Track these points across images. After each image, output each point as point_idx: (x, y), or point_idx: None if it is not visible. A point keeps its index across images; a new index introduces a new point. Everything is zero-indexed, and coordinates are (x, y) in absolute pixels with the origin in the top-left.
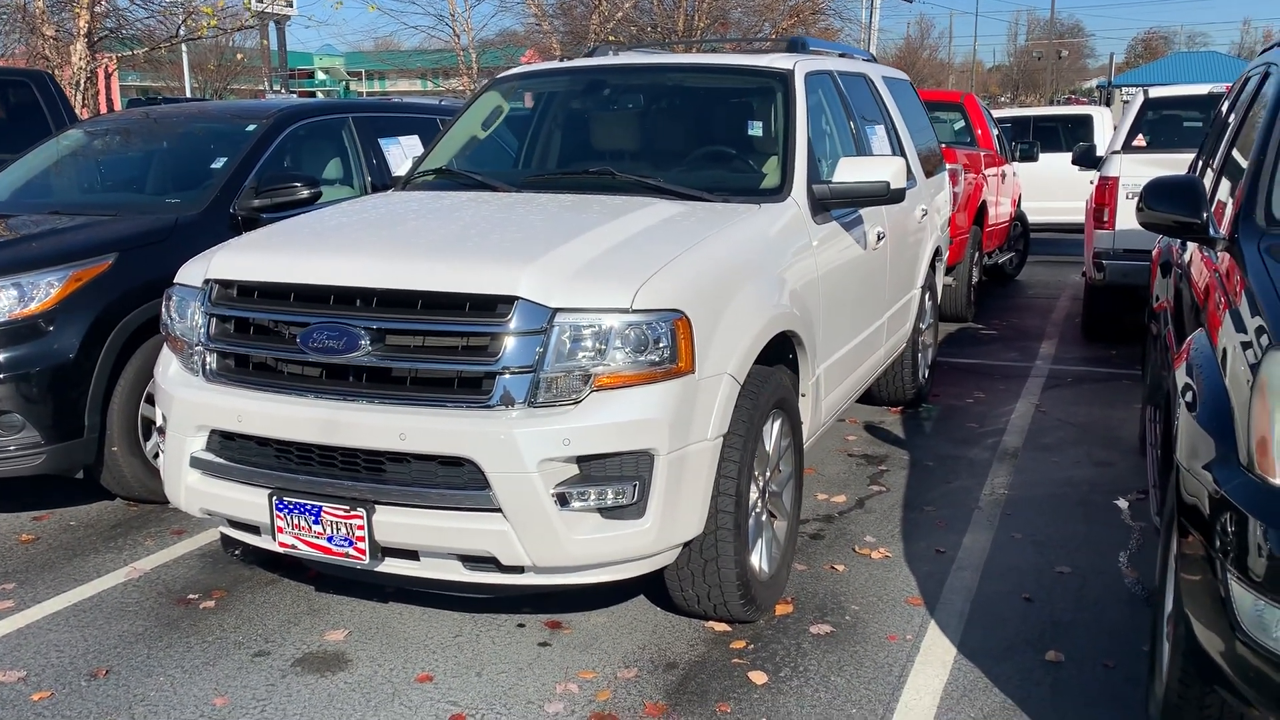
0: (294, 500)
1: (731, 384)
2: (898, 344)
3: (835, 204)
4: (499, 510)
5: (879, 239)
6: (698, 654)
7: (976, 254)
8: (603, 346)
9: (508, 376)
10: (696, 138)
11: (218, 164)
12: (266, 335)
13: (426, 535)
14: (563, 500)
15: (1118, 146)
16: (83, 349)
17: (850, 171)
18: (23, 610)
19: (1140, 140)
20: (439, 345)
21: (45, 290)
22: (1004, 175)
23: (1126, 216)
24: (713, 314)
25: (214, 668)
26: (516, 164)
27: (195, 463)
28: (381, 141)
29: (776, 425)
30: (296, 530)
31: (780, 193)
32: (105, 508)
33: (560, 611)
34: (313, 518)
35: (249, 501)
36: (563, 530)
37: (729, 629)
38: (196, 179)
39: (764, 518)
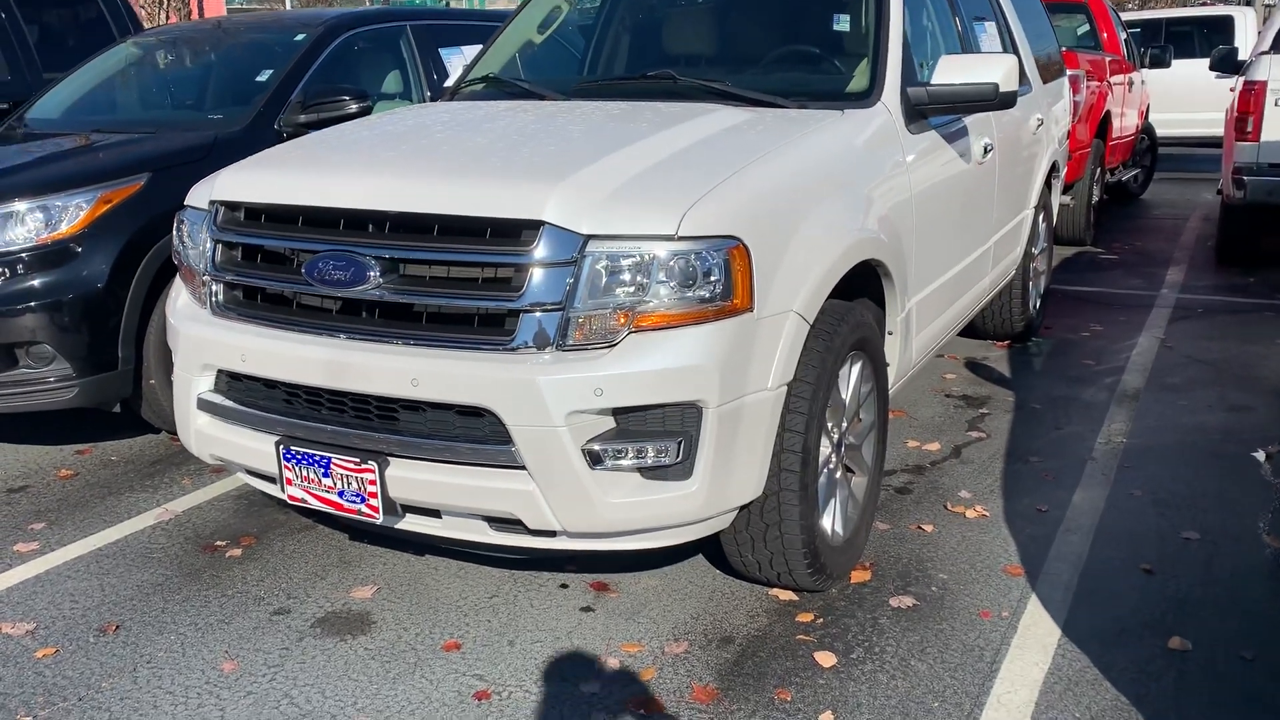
0: (302, 450)
1: (798, 323)
2: (1006, 271)
3: (934, 110)
4: (523, 468)
5: (986, 152)
6: (758, 627)
7: (1098, 170)
8: (643, 280)
9: (533, 315)
10: (775, 36)
11: (263, 77)
12: (272, 264)
13: (444, 493)
14: (595, 458)
15: (1265, 47)
16: (114, 276)
17: (952, 72)
18: (46, 554)
19: None
20: (456, 278)
21: (74, 213)
22: (1131, 83)
23: (1275, 126)
24: (778, 240)
25: (229, 626)
26: (580, 71)
27: (203, 405)
28: (442, 52)
29: (856, 369)
30: (306, 483)
31: (869, 97)
32: (149, 441)
33: (609, 571)
34: (322, 470)
35: (257, 450)
36: (595, 492)
37: (796, 598)
38: (242, 94)
39: (838, 474)
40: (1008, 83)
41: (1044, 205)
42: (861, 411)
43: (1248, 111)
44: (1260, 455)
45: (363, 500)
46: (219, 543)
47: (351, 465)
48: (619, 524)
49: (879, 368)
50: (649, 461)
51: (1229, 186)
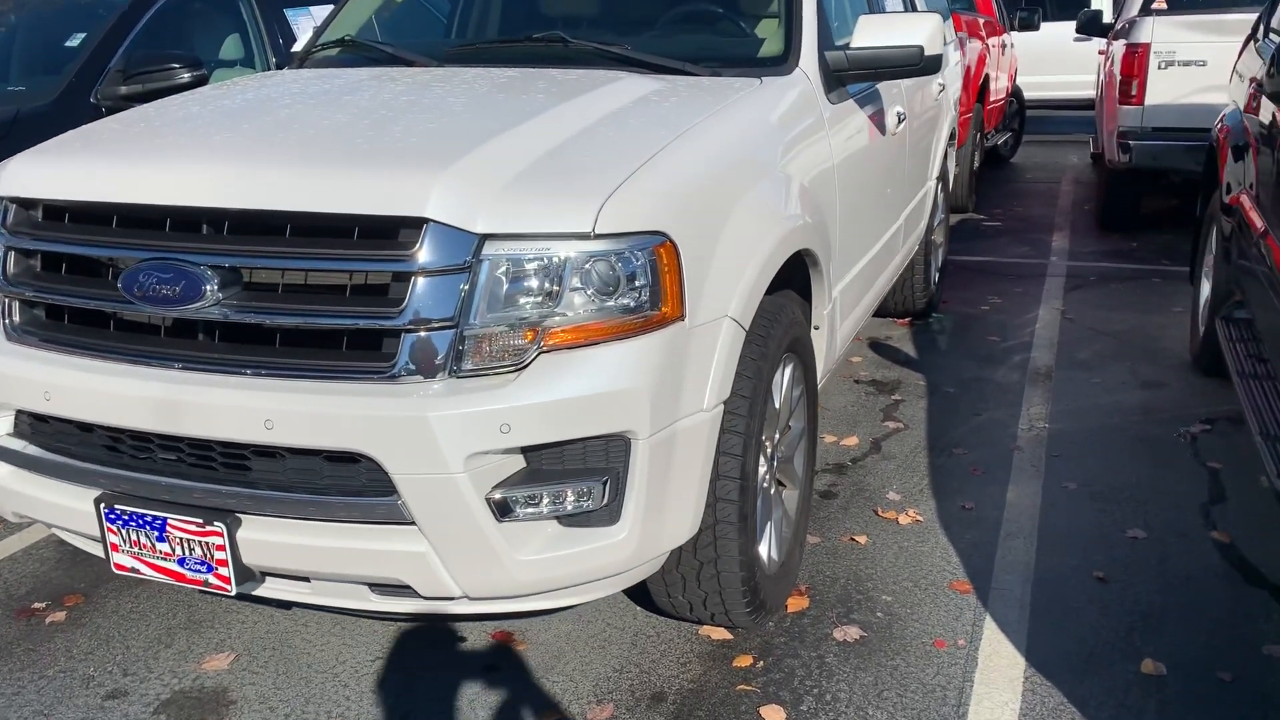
0: (129, 510)
1: (734, 330)
2: (912, 247)
3: (853, 77)
4: (412, 524)
5: (900, 121)
6: (691, 677)
7: (979, 135)
8: (554, 288)
9: (418, 334)
10: None
11: (75, 41)
12: (83, 276)
13: (311, 559)
14: (503, 509)
15: (1134, 11)
16: None
17: (872, 33)
18: None
19: (1160, 2)
20: (317, 288)
21: None
22: (1004, 45)
23: (1160, 89)
24: (708, 234)
25: (49, 719)
26: (449, 33)
27: (1, 453)
28: (288, 11)
29: (787, 373)
30: (136, 549)
31: (785, 62)
32: None
33: (514, 618)
34: (156, 534)
35: (73, 509)
36: (503, 549)
37: (730, 636)
38: (50, 61)
39: (772, 491)
40: (933, 45)
41: (944, 175)
42: (792, 419)
43: (1131, 75)
44: (1186, 437)
45: (209, 569)
46: (37, 605)
47: (193, 527)
48: (535, 585)
49: (809, 368)
50: (568, 508)
51: (1113, 151)
